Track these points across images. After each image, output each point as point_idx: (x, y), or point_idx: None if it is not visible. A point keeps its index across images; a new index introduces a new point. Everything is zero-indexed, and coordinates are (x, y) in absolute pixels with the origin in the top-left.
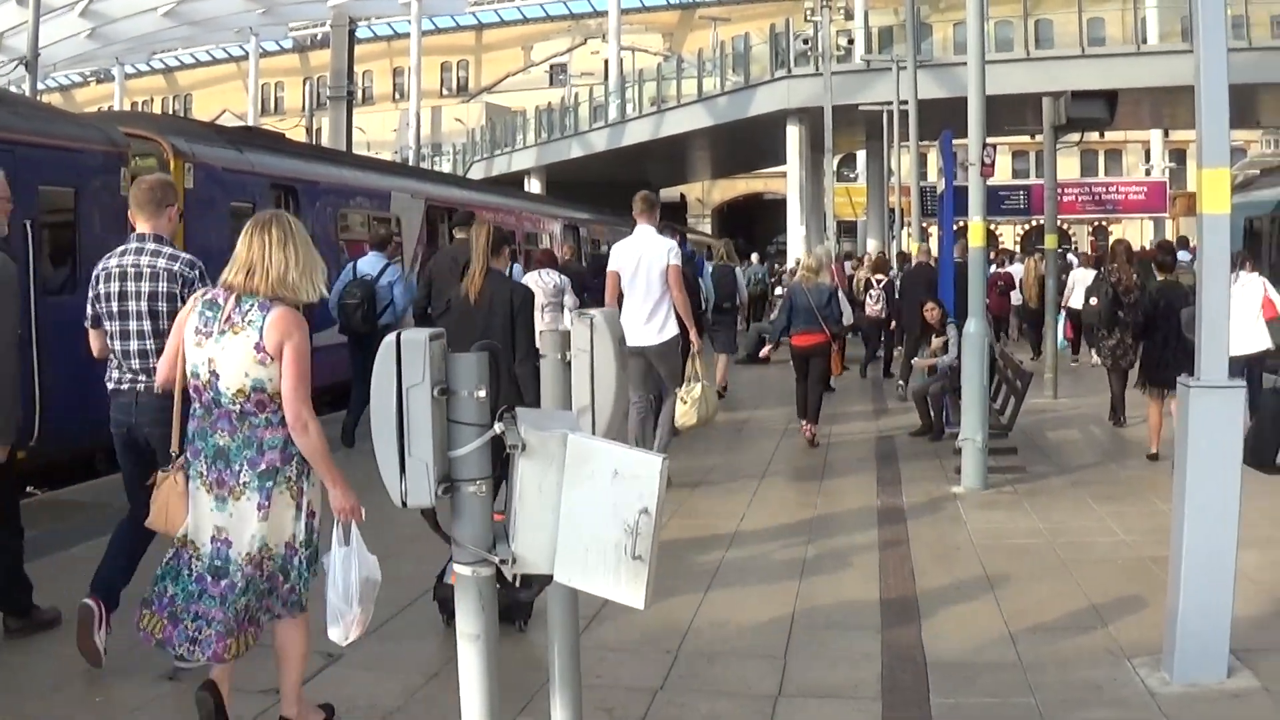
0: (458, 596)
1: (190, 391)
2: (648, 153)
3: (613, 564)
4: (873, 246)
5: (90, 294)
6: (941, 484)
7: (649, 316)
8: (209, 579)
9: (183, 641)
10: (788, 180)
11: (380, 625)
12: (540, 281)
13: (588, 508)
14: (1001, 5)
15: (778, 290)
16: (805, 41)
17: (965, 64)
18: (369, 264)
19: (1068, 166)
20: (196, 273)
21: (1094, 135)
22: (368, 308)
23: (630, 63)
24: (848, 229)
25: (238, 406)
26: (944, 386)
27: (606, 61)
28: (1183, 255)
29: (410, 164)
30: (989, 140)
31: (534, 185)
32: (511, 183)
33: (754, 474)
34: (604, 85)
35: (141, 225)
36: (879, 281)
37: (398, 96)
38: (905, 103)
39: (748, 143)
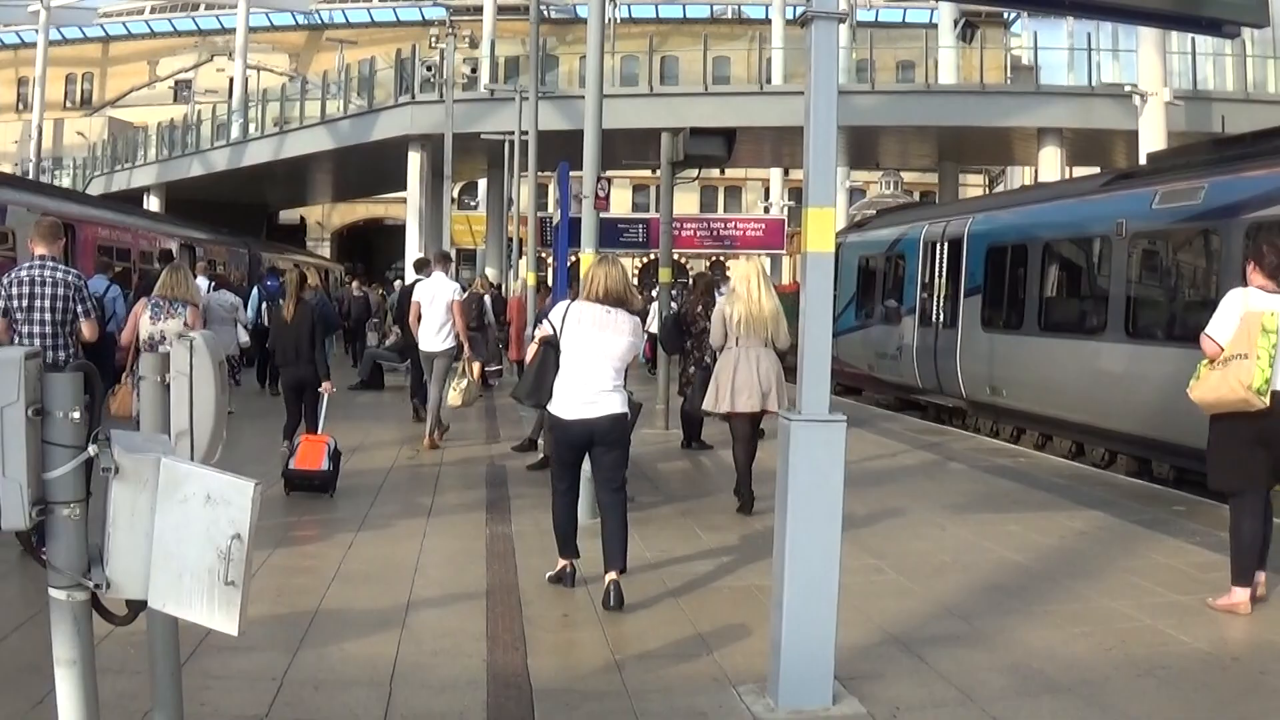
0: (52, 621)
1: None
2: (269, 174)
3: (206, 589)
4: (492, 275)
5: (4, 294)
6: (549, 512)
7: (438, 331)
8: None
9: None
10: (408, 206)
11: None
12: (219, 300)
13: (181, 532)
14: (630, 40)
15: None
16: (430, 68)
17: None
18: (97, 283)
19: (687, 202)
20: (82, 280)
21: (715, 171)
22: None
23: (256, 82)
24: (468, 256)
25: None
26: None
27: (231, 79)
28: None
29: (30, 177)
30: (607, 173)
31: (153, 203)
32: (131, 199)
33: (365, 498)
34: (228, 104)
35: (41, 250)
36: None
37: (21, 107)
38: (526, 133)
39: (370, 167)
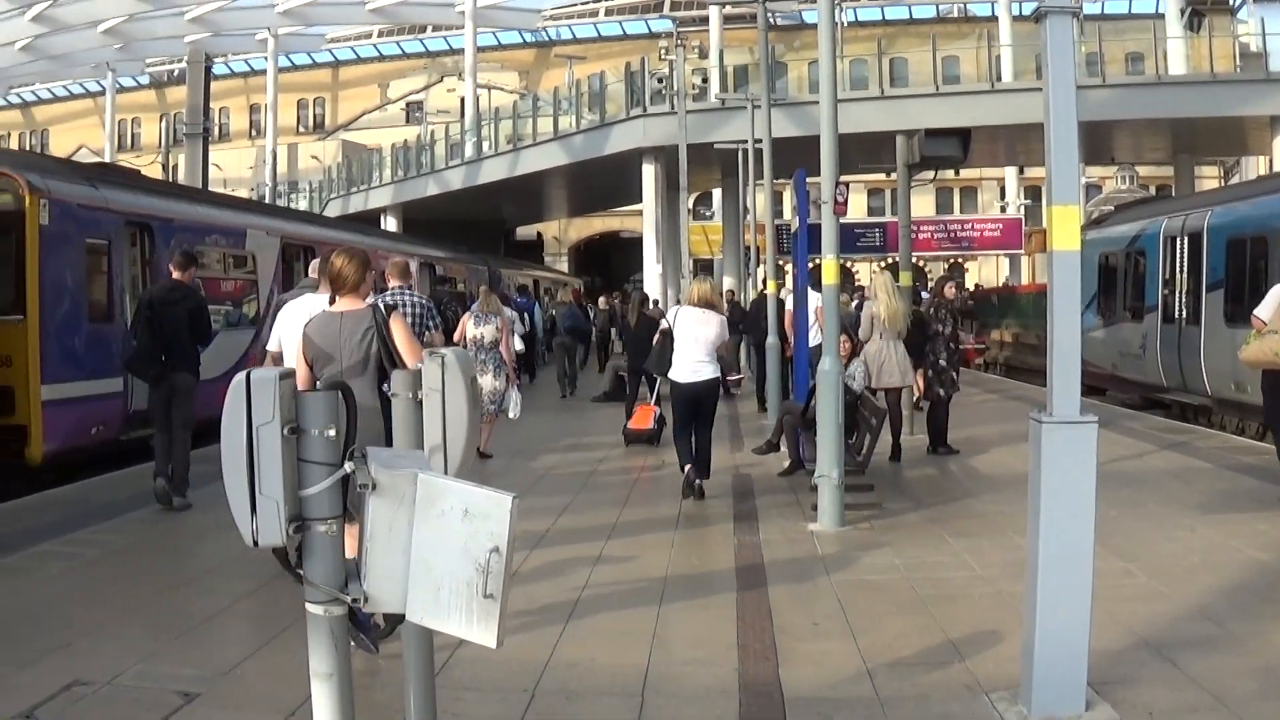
0: (310, 636)
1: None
2: (504, 191)
3: (464, 603)
4: (729, 284)
5: None
6: (798, 521)
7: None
8: None
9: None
10: (644, 218)
11: (236, 665)
12: (508, 312)
13: (439, 546)
14: (856, 44)
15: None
16: (660, 80)
17: (818, 102)
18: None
19: (923, 204)
20: (430, 302)
21: (949, 172)
22: None
23: (486, 100)
24: (704, 267)
25: (490, 345)
26: (796, 422)
27: (463, 99)
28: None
29: (266, 201)
30: (843, 178)
31: (390, 223)
32: (368, 220)
33: (611, 510)
34: (460, 123)
35: (395, 282)
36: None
37: (254, 134)
38: (760, 141)
39: (604, 181)
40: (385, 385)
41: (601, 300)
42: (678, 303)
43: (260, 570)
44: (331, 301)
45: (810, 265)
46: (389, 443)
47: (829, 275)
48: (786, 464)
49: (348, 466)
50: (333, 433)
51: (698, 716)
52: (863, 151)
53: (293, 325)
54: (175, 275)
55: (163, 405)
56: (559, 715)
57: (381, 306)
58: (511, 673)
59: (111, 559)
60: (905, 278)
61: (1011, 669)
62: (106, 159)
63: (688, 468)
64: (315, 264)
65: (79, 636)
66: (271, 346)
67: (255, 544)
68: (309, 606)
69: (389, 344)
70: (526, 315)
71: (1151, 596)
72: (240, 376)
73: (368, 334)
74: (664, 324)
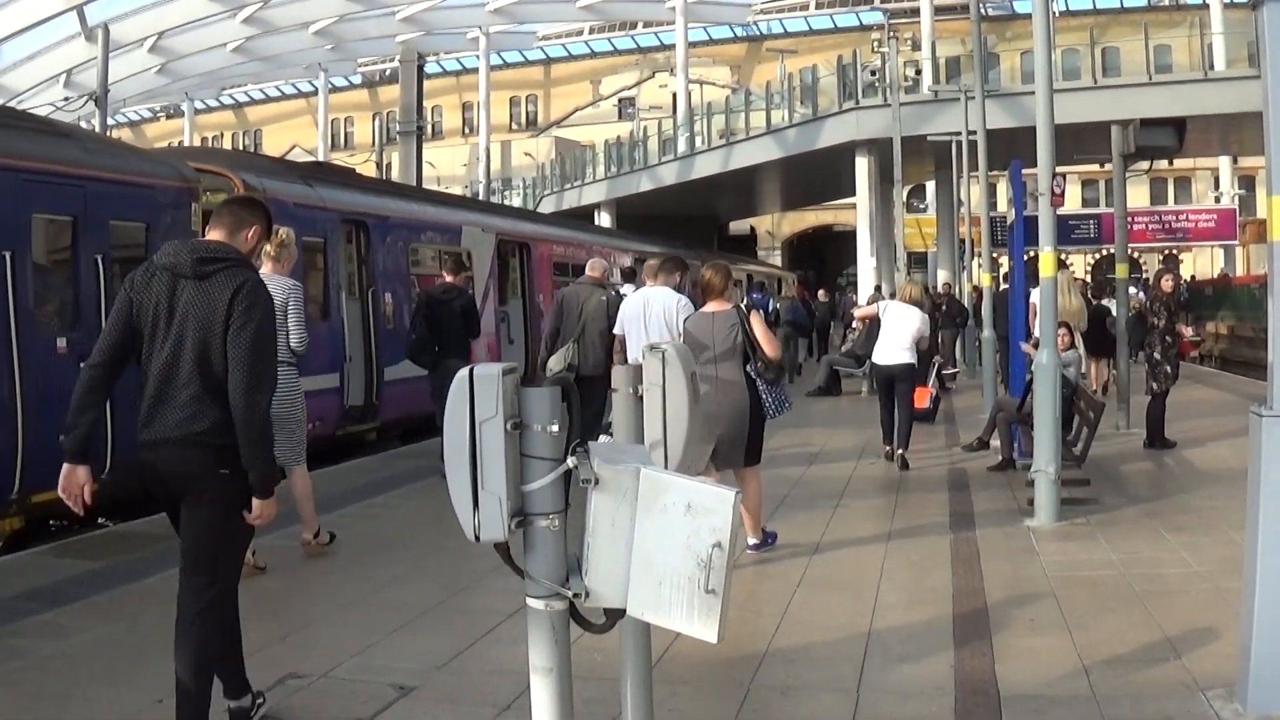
0: (530, 630)
1: None
2: (717, 185)
3: (686, 598)
4: (944, 277)
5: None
6: (1014, 516)
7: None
8: None
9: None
10: (858, 212)
11: (452, 658)
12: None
13: (660, 541)
14: (1068, 34)
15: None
16: (873, 73)
17: (1033, 93)
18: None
19: (1137, 194)
20: (684, 302)
21: (1162, 163)
22: None
23: (698, 96)
24: (918, 260)
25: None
26: (1011, 417)
27: (674, 95)
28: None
29: (480, 198)
30: (1058, 169)
31: (604, 219)
32: (582, 216)
33: (827, 505)
34: (672, 118)
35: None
36: None
37: (467, 131)
38: (974, 133)
39: (817, 174)
40: (748, 366)
41: (821, 293)
42: (890, 296)
43: (476, 565)
44: (700, 304)
45: (1026, 256)
46: (753, 411)
47: (1047, 267)
48: (999, 459)
49: (570, 461)
50: (555, 428)
51: (913, 713)
52: (1075, 142)
53: (632, 312)
54: (448, 278)
55: (440, 389)
56: (774, 710)
57: (743, 307)
58: (727, 667)
59: (328, 554)
60: (1121, 269)
61: (1228, 666)
62: (320, 158)
63: (888, 449)
64: (592, 263)
65: (295, 630)
66: (617, 330)
67: (477, 539)
68: (530, 601)
69: (750, 336)
70: (761, 311)
71: None
72: (463, 373)
73: (734, 328)
74: (870, 311)
